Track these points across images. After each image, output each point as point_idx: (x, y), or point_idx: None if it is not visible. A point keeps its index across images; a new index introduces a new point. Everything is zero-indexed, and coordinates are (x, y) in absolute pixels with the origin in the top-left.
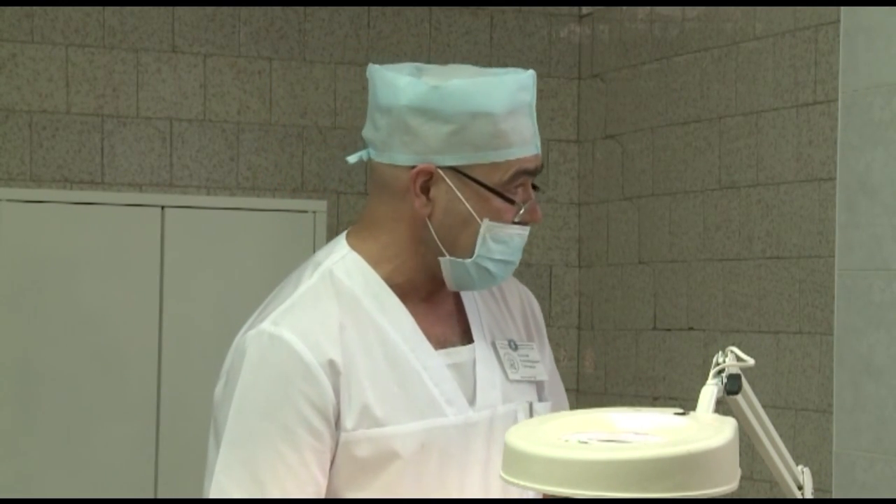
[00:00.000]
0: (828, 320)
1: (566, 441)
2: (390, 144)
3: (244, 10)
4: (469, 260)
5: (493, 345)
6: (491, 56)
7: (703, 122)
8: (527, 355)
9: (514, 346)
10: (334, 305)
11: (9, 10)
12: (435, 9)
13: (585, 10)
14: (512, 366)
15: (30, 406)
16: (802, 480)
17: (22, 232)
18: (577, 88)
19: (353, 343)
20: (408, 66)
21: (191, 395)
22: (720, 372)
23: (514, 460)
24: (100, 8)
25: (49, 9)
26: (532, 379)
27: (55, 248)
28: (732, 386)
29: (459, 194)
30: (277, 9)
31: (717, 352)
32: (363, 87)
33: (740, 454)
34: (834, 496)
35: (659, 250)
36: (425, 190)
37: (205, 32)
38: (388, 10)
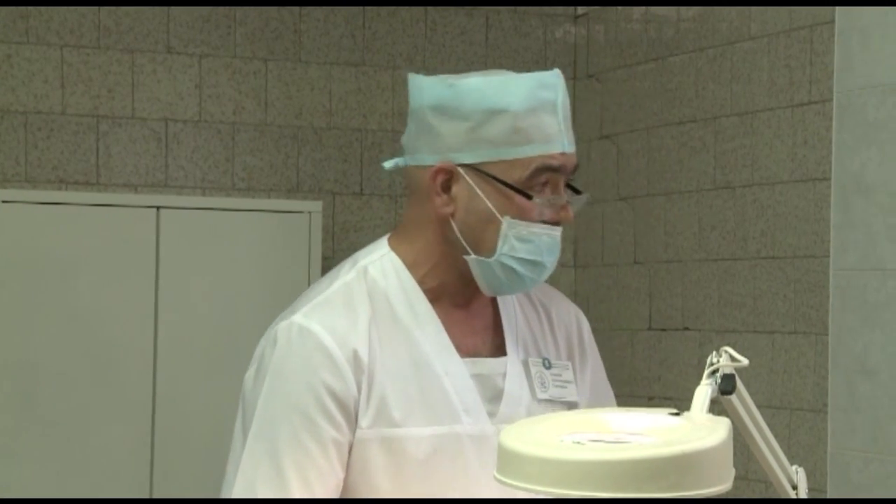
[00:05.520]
0: (823, 320)
1: (560, 441)
2: (417, 146)
3: (239, 11)
4: (493, 258)
5: (526, 362)
6: (486, 56)
7: (698, 122)
8: (560, 375)
9: (547, 365)
10: (366, 303)
11: (4, 11)
12: (430, 9)
13: (581, 10)
14: (542, 384)
15: (26, 406)
16: (797, 480)
17: (17, 233)
18: (572, 89)
19: (380, 342)
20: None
21: (186, 395)
22: (714, 372)
23: (509, 461)
24: (95, 8)
25: (44, 9)
26: (561, 399)
27: (50, 249)
28: (727, 386)
29: (480, 192)
30: (273, 9)
31: (712, 352)
32: (358, 87)
33: (735, 454)
34: (829, 496)
35: (654, 250)
36: (446, 188)
37: (200, 33)
38: (384, 10)
